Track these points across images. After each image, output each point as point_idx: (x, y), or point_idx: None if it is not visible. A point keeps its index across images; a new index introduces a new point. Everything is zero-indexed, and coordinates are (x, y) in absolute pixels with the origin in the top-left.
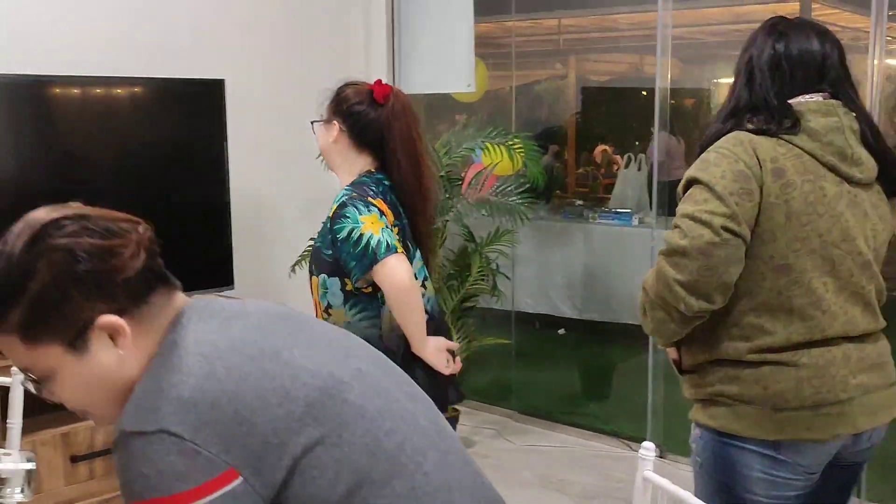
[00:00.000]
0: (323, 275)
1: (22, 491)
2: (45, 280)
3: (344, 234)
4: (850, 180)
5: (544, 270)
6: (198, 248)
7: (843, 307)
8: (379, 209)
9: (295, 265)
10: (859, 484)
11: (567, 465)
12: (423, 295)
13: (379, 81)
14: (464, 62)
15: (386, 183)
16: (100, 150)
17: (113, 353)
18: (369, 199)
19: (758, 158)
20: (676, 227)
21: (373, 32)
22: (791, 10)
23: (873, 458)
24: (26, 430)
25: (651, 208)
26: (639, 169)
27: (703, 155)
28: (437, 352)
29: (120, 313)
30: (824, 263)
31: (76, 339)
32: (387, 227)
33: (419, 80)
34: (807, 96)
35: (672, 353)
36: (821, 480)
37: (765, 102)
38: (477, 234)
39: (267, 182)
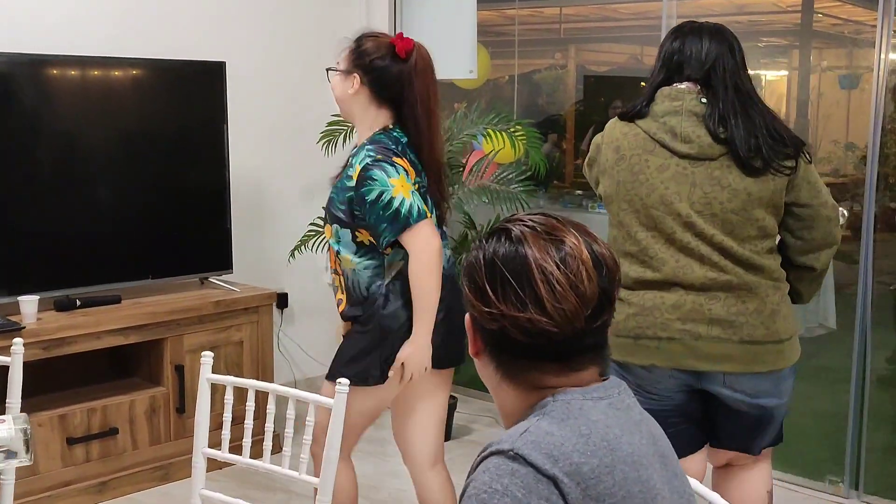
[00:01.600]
0: (336, 225)
1: (23, 453)
2: None
3: (373, 195)
4: (678, 154)
5: None
6: (197, 232)
7: (674, 256)
8: (405, 169)
9: (294, 250)
10: (857, 478)
11: None
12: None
13: (401, 35)
14: (466, 48)
15: (403, 140)
16: (99, 131)
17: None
18: (394, 158)
19: (603, 138)
20: None
21: (375, 17)
22: (792, 2)
23: (767, 420)
24: (22, 410)
25: None
26: None
27: None
28: (414, 357)
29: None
30: (648, 221)
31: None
32: (414, 189)
33: None
34: (677, 84)
35: None
36: (705, 416)
37: (644, 92)
38: (477, 222)
39: (267, 165)
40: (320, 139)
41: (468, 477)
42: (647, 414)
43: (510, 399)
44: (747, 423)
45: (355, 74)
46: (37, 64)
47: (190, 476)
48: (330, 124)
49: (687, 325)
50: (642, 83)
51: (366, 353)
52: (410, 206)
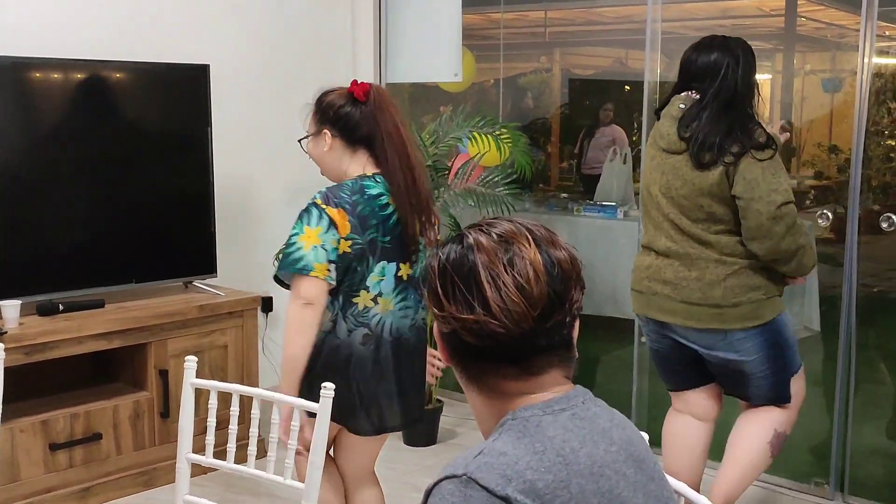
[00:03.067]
0: None
1: None
2: None
3: (291, 232)
4: (660, 148)
5: None
6: (181, 236)
7: (650, 229)
8: (332, 223)
9: (279, 254)
10: (842, 480)
11: None
12: (373, 312)
13: (355, 81)
14: (451, 51)
15: (371, 192)
16: (81, 134)
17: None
18: (329, 209)
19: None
20: None
21: (360, 20)
22: (776, 6)
23: (737, 373)
24: (4, 416)
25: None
26: (623, 162)
27: None
28: (283, 418)
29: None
30: (643, 199)
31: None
32: (322, 245)
33: (406, 70)
34: (684, 93)
35: None
36: (696, 358)
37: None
38: (463, 225)
39: (251, 169)
40: None
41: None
42: (620, 418)
43: (478, 405)
44: (724, 373)
45: (325, 130)
46: (19, 67)
47: (174, 481)
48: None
49: (651, 283)
50: (626, 86)
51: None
52: (303, 257)
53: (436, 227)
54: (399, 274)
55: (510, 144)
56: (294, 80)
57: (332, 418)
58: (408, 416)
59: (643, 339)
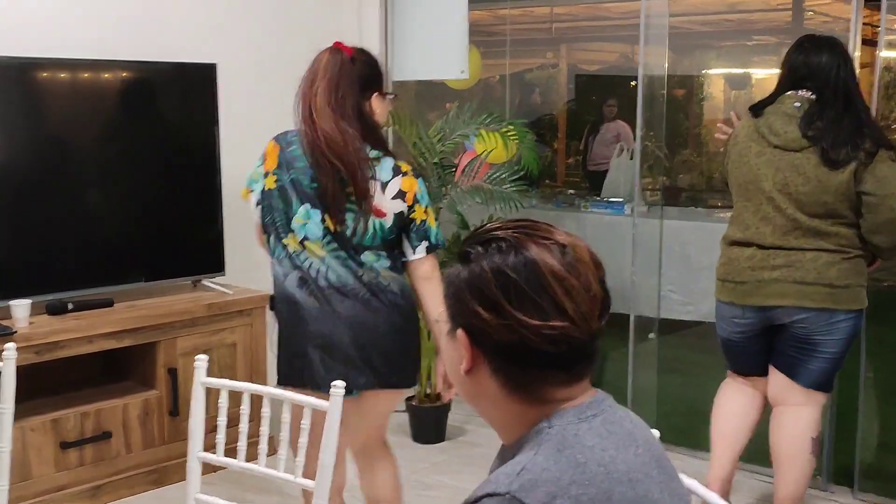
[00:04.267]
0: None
1: None
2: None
3: None
4: (771, 144)
5: None
6: (189, 234)
7: (755, 224)
8: (263, 156)
9: None
10: (852, 478)
11: None
12: (304, 256)
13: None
14: (457, 48)
15: (296, 139)
16: (89, 135)
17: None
18: (269, 142)
19: (735, 130)
20: None
21: (366, 18)
22: (783, 0)
23: (812, 347)
24: (16, 415)
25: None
26: (631, 158)
27: None
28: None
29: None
30: (745, 193)
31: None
32: (253, 173)
33: (412, 67)
34: (795, 92)
35: None
36: (770, 340)
37: (772, 94)
38: (471, 223)
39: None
40: None
41: None
42: (637, 419)
43: (511, 414)
44: (797, 351)
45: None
46: (26, 67)
47: (184, 479)
48: None
49: (756, 272)
50: (632, 82)
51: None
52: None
53: (369, 194)
54: (325, 224)
55: (517, 141)
56: (300, 79)
57: (295, 383)
58: (378, 374)
59: (651, 336)
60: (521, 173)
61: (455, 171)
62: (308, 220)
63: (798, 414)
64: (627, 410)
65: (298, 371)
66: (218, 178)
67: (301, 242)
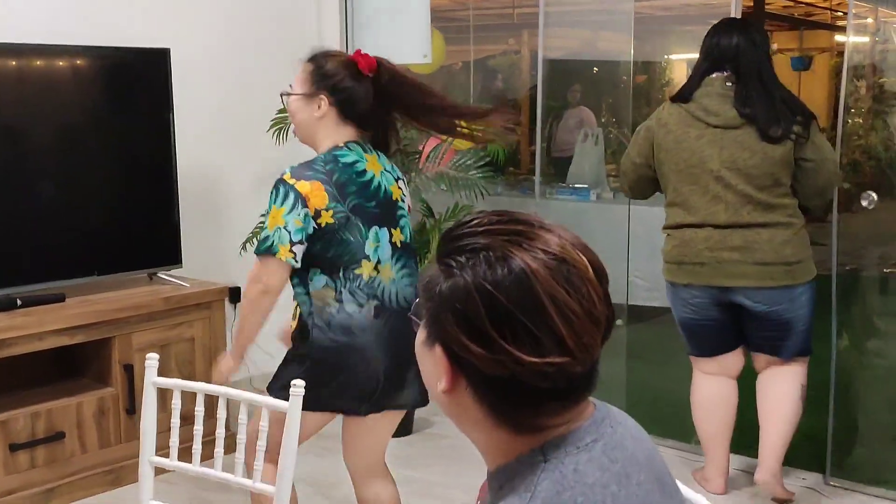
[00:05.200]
0: None
1: None
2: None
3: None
4: (710, 125)
5: None
6: (144, 226)
7: (705, 205)
8: (297, 198)
9: (245, 242)
10: (823, 462)
11: None
12: (378, 281)
13: (359, 51)
14: (420, 32)
15: (346, 159)
16: (39, 123)
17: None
18: (299, 183)
19: (657, 119)
20: None
21: (325, 2)
22: None
23: (785, 325)
24: None
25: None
26: (595, 144)
27: None
28: (221, 370)
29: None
30: (689, 178)
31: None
32: (285, 226)
33: (373, 51)
34: (714, 73)
35: None
36: (730, 316)
37: (690, 78)
38: (435, 210)
39: (215, 155)
40: (271, 127)
41: None
42: (635, 428)
43: (498, 441)
44: (769, 329)
45: (322, 96)
46: None
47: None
48: (281, 111)
49: (714, 252)
50: (594, 68)
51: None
52: (266, 237)
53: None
54: (393, 240)
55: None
56: (257, 64)
57: (329, 407)
58: (423, 391)
59: (618, 322)
60: (487, 160)
61: (419, 157)
62: (378, 243)
63: (787, 373)
64: (627, 422)
65: (368, 397)
66: (173, 167)
67: (375, 267)
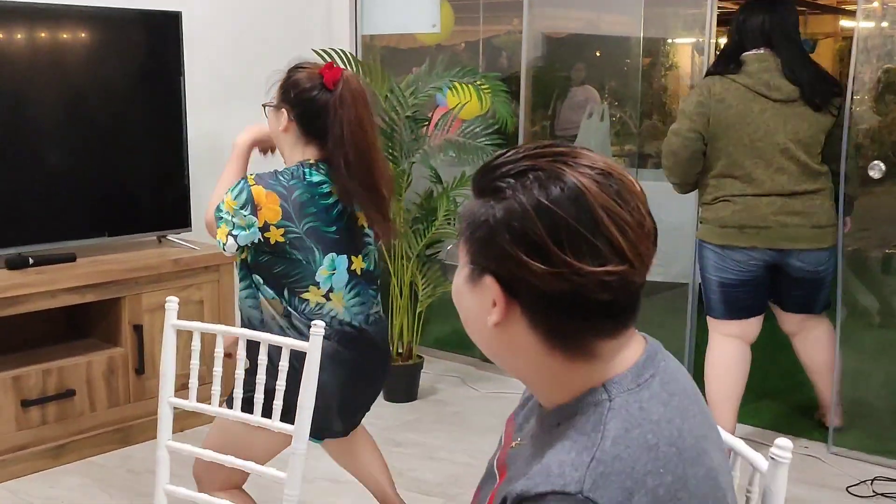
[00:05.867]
0: None
1: None
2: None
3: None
4: (772, 99)
5: None
6: (154, 189)
7: (770, 176)
8: (248, 199)
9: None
10: (825, 431)
11: None
12: (326, 309)
13: (329, 64)
14: (429, 2)
15: (312, 178)
16: (48, 85)
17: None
18: (256, 185)
19: (708, 93)
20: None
21: None
22: None
23: (820, 282)
24: None
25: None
26: (601, 119)
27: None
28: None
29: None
30: (753, 152)
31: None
32: (233, 216)
33: (383, 21)
34: (752, 51)
35: None
36: (777, 282)
37: (726, 55)
38: (444, 178)
39: (225, 119)
40: None
41: None
42: (680, 364)
43: (553, 372)
44: (807, 288)
45: (283, 109)
46: None
47: (150, 438)
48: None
49: (778, 217)
50: (597, 49)
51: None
52: (220, 209)
53: (389, 225)
54: (352, 268)
55: (490, 95)
56: (268, 31)
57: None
58: (359, 411)
59: None
60: (496, 127)
61: (428, 124)
62: (334, 271)
63: (823, 330)
64: (670, 356)
65: (341, 417)
66: (184, 131)
67: (325, 295)
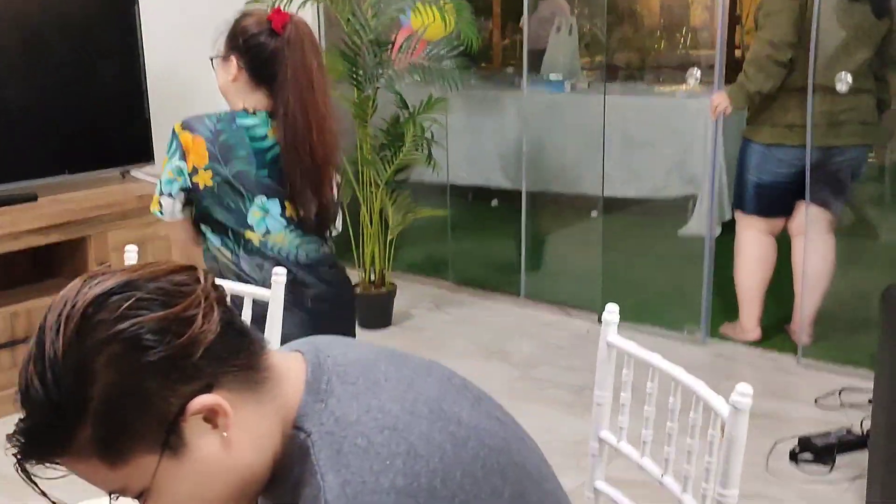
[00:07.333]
0: None
1: None
2: (109, 382)
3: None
4: None
5: (476, 141)
6: (114, 123)
7: (830, 68)
8: (178, 147)
9: None
10: (794, 344)
11: (507, 335)
12: (270, 244)
13: (278, 9)
14: None
15: (244, 122)
16: (5, 25)
17: (216, 440)
18: (183, 132)
19: None
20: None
21: None
22: None
23: (859, 174)
24: None
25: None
26: (570, 34)
27: None
28: None
29: (209, 388)
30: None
31: (168, 438)
32: (161, 176)
33: None
34: None
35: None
36: (819, 176)
37: None
38: (410, 102)
39: (185, 49)
40: None
41: None
42: (340, 341)
43: (258, 432)
44: (837, 182)
45: (232, 58)
46: None
47: None
48: (249, 3)
49: (837, 115)
50: None
51: None
52: (160, 182)
53: (336, 186)
54: (287, 214)
55: (454, 15)
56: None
57: None
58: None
59: (594, 214)
60: (461, 49)
61: (391, 48)
62: (266, 213)
63: (827, 241)
64: (333, 342)
65: None
66: (141, 62)
67: (264, 237)
